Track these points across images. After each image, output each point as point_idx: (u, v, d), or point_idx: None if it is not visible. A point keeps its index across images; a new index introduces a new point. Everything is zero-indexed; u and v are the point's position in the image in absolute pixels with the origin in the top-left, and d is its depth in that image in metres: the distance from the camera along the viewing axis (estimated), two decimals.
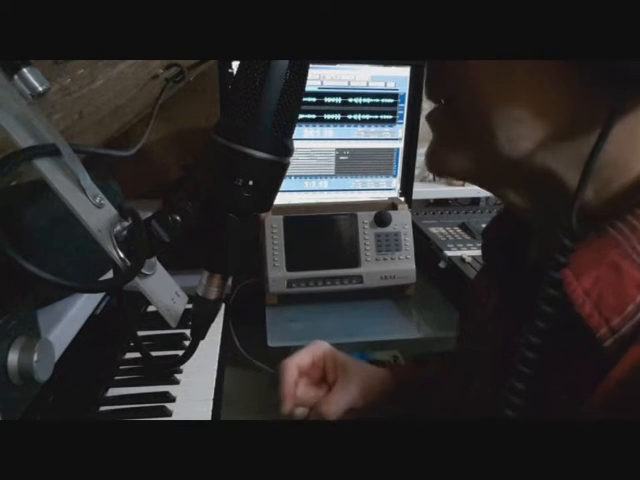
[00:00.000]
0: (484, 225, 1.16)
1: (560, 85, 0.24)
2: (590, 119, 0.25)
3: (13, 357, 0.43)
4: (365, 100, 0.97)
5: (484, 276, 0.43)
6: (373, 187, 1.04)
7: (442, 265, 0.94)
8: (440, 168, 0.33)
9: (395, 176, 1.04)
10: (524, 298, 0.29)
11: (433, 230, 1.06)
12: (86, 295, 0.68)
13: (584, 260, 0.25)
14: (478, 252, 1.00)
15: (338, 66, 0.94)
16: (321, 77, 0.94)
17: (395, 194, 1.04)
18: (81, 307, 0.67)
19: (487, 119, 0.27)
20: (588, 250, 0.25)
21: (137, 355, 0.74)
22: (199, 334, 0.37)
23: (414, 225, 0.96)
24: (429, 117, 0.32)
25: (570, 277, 0.25)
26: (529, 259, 0.36)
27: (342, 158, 1.01)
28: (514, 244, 0.38)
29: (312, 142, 0.98)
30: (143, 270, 0.36)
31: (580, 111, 0.25)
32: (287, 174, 0.33)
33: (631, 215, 0.25)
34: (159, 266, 0.39)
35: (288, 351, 1.04)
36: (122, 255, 0.34)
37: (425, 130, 1.22)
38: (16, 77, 0.30)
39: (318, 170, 1.01)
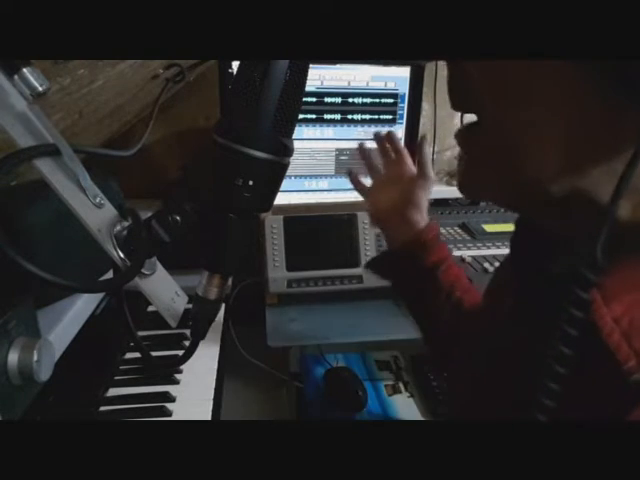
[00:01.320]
0: (484, 225, 1.16)
1: (591, 101, 0.22)
2: (624, 136, 0.23)
3: (13, 357, 0.43)
4: (365, 100, 0.97)
5: (506, 271, 0.41)
6: None
7: None
8: (470, 190, 0.31)
9: None
10: (545, 307, 0.27)
11: None
12: (86, 295, 0.68)
13: (615, 284, 0.23)
14: (478, 252, 1.00)
15: (338, 66, 0.94)
16: (321, 77, 0.94)
17: None
18: (81, 307, 0.67)
19: (514, 141, 0.25)
20: (621, 273, 0.23)
21: (137, 355, 0.74)
22: (199, 334, 0.37)
23: None
24: (458, 136, 0.30)
25: (599, 301, 0.23)
26: (554, 268, 0.35)
27: (342, 158, 1.01)
28: (541, 250, 0.36)
29: (312, 142, 0.98)
30: (143, 270, 0.36)
31: (613, 127, 0.23)
32: (287, 174, 0.33)
33: None
34: (159, 266, 0.39)
35: (288, 351, 1.05)
36: (122, 255, 0.34)
37: (425, 130, 1.22)
38: (16, 77, 0.30)
39: (318, 170, 1.01)
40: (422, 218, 0.59)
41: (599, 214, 0.23)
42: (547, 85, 0.23)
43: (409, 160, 0.63)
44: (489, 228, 1.08)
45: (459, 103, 0.29)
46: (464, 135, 0.30)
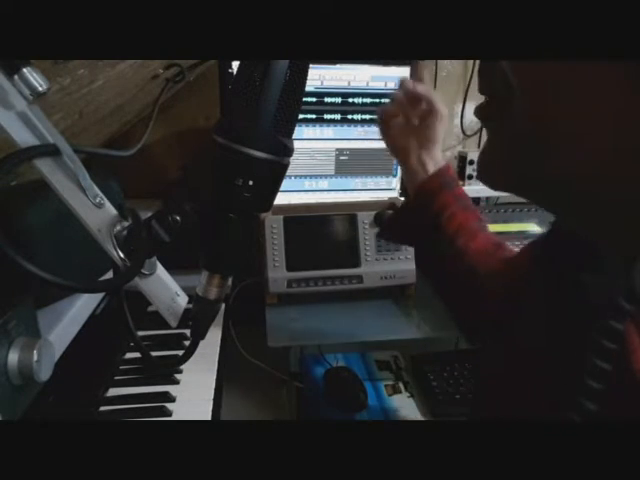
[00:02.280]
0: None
1: (627, 93, 0.20)
2: None
3: (13, 357, 0.43)
4: (365, 100, 0.97)
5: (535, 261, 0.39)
6: (373, 187, 1.04)
7: None
8: (491, 179, 0.28)
9: (395, 176, 1.04)
10: (576, 322, 0.26)
11: None
12: (86, 295, 0.68)
13: None
14: None
15: (338, 66, 0.94)
16: (321, 77, 0.94)
17: (395, 194, 1.04)
18: (81, 307, 0.67)
19: (544, 127, 0.23)
20: None
21: (137, 355, 0.74)
22: (199, 334, 0.37)
23: None
24: (478, 112, 0.28)
25: (633, 335, 0.22)
26: (589, 291, 0.32)
27: (342, 158, 1.01)
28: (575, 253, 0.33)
29: (312, 142, 0.98)
30: (143, 270, 0.36)
31: None
32: (287, 174, 0.33)
33: None
34: (159, 266, 0.39)
35: (288, 351, 1.05)
36: (122, 255, 0.34)
37: None
38: (16, 77, 0.30)
39: (318, 170, 1.01)
40: (432, 160, 0.58)
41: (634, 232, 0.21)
42: (592, 76, 0.21)
43: (429, 99, 0.60)
44: (489, 228, 1.08)
45: (490, 87, 0.27)
46: (487, 114, 0.28)
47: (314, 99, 0.95)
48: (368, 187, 1.04)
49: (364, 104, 0.97)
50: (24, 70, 0.30)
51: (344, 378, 0.95)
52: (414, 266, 0.93)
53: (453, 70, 1.19)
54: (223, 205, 0.32)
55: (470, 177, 1.20)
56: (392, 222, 0.64)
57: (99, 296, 0.76)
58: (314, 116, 0.96)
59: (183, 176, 1.14)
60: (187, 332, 0.76)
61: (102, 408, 0.63)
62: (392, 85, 0.97)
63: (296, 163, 0.98)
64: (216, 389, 0.69)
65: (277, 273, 0.89)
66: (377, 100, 0.98)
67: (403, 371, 1.01)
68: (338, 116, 0.97)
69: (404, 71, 0.96)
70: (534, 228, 1.04)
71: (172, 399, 0.65)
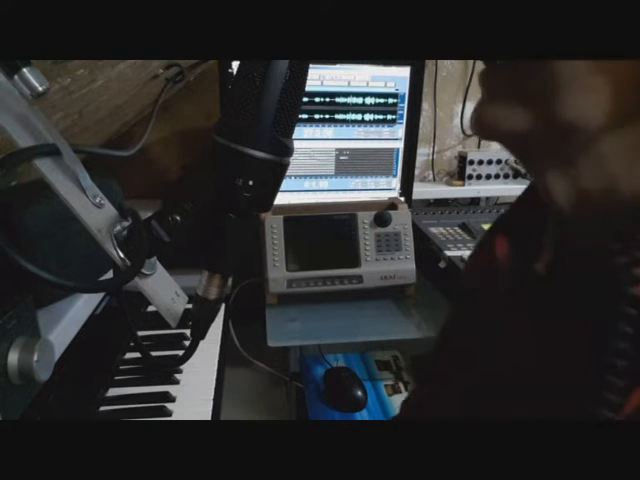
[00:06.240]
0: (484, 225, 1.16)
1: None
2: None
3: (13, 357, 0.43)
4: (365, 100, 0.97)
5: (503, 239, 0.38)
6: (373, 187, 1.04)
7: (442, 265, 0.94)
8: (489, 126, 0.27)
9: (395, 176, 1.04)
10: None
11: (433, 230, 1.06)
12: (86, 295, 0.68)
13: None
14: None
15: (338, 66, 0.94)
16: (321, 77, 0.94)
17: (395, 194, 1.04)
18: (81, 307, 0.67)
19: (557, 77, 0.23)
20: None
21: (137, 355, 0.74)
22: (199, 334, 0.37)
23: (414, 225, 0.96)
24: (482, 75, 0.28)
25: None
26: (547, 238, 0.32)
27: (342, 158, 1.01)
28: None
29: (312, 142, 0.98)
30: (143, 270, 0.36)
31: None
32: (287, 174, 0.33)
33: None
34: (159, 266, 0.39)
35: (288, 351, 1.05)
36: (122, 255, 0.34)
37: (425, 130, 1.23)
38: (16, 77, 0.30)
39: (318, 170, 1.01)
40: None
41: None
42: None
43: None
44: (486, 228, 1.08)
45: None
46: (490, 73, 0.27)
47: (314, 99, 0.95)
48: (368, 187, 1.04)
49: (364, 104, 0.97)
50: (24, 70, 0.30)
51: (344, 378, 0.96)
52: (414, 266, 0.93)
53: (453, 70, 1.19)
54: (223, 205, 0.32)
55: (470, 177, 1.20)
56: None
57: (99, 296, 0.76)
58: (314, 116, 0.96)
59: (183, 176, 1.14)
60: (187, 332, 0.76)
61: (102, 408, 0.63)
62: (392, 85, 0.97)
63: (296, 163, 0.98)
64: (216, 389, 0.69)
65: (277, 273, 0.89)
66: (377, 100, 0.98)
67: (403, 371, 1.01)
68: (338, 116, 0.97)
69: (404, 71, 0.97)
70: None
71: (172, 399, 0.65)
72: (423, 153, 1.27)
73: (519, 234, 0.36)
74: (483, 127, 0.27)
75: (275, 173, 0.32)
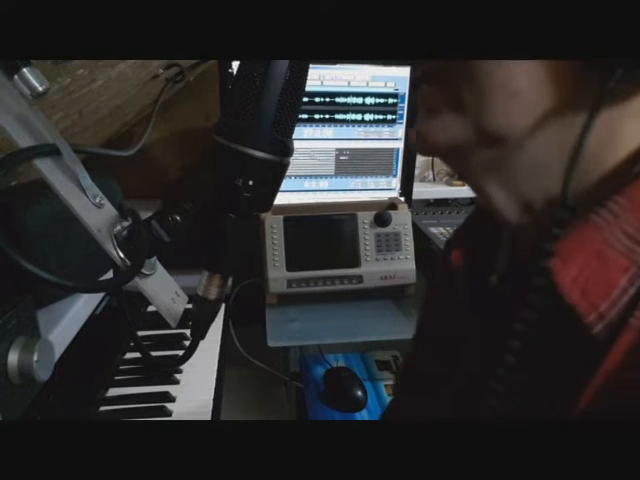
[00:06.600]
0: None
1: (555, 64, 0.24)
2: (579, 106, 0.25)
3: (13, 357, 0.43)
4: (365, 100, 0.97)
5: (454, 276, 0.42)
6: (373, 187, 1.04)
7: None
8: (428, 141, 0.29)
9: (395, 176, 1.04)
10: (500, 302, 0.29)
11: (433, 230, 1.06)
12: (86, 295, 0.68)
13: (569, 248, 0.25)
14: None
15: (338, 66, 0.94)
16: (321, 77, 0.94)
17: (395, 194, 1.04)
18: (81, 307, 0.67)
19: (483, 86, 0.26)
20: (572, 238, 0.26)
21: (137, 355, 0.74)
22: (199, 334, 0.37)
23: (414, 225, 0.96)
24: (420, 93, 0.30)
25: (558, 265, 0.25)
26: (498, 264, 0.36)
27: (342, 158, 1.01)
28: (485, 249, 0.37)
29: (312, 142, 0.98)
30: (143, 270, 0.36)
31: (570, 94, 0.25)
32: (287, 174, 0.33)
33: (612, 202, 0.25)
34: (159, 266, 0.39)
35: (288, 351, 1.05)
36: (122, 255, 0.34)
37: None
38: (16, 77, 0.30)
39: (318, 170, 1.01)
40: None
41: (551, 192, 0.25)
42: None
43: None
44: None
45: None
46: (427, 90, 0.30)
47: (314, 99, 0.95)
48: (368, 187, 1.04)
49: (364, 104, 0.97)
50: (24, 70, 0.30)
51: (344, 378, 0.96)
52: (414, 266, 0.93)
53: None
54: (223, 205, 0.32)
55: None
56: None
57: (99, 296, 0.76)
58: (314, 116, 0.96)
59: (183, 176, 1.14)
60: (187, 332, 0.76)
61: (102, 408, 0.63)
62: (392, 85, 0.97)
63: (296, 163, 0.98)
64: (216, 389, 0.69)
65: (277, 273, 0.89)
66: (377, 100, 0.98)
67: None
68: (338, 116, 0.97)
69: (404, 71, 0.97)
70: None
71: (172, 399, 0.65)
72: None
73: (472, 249, 0.38)
74: (423, 143, 0.30)
75: (275, 173, 0.32)
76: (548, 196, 0.27)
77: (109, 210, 0.35)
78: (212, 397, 0.67)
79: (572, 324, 0.25)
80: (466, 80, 0.26)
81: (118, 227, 0.34)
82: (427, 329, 0.47)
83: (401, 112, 0.99)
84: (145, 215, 0.35)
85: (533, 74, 0.25)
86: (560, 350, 0.28)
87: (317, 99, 0.95)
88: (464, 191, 1.22)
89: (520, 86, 0.25)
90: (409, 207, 0.98)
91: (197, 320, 0.37)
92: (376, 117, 0.98)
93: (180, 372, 0.71)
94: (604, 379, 0.24)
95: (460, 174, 0.33)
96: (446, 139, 0.29)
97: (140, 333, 0.77)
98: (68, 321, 0.62)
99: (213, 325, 0.37)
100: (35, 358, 0.44)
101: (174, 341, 0.77)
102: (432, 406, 0.41)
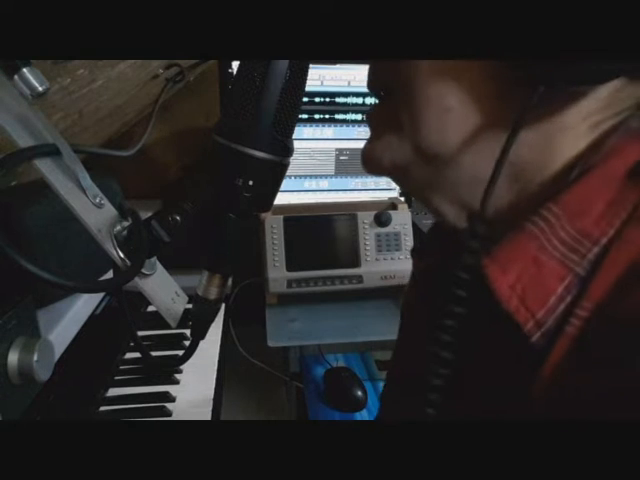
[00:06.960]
0: None
1: (487, 78, 0.25)
2: (507, 122, 0.25)
3: (13, 357, 0.43)
4: (365, 100, 0.97)
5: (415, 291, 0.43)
6: (373, 187, 1.04)
7: None
8: (373, 161, 0.31)
9: None
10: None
11: None
12: (86, 295, 0.68)
13: (506, 256, 0.26)
14: None
15: (338, 66, 0.94)
16: (321, 77, 0.94)
17: (395, 194, 1.04)
18: (81, 307, 0.67)
19: (416, 105, 0.26)
20: (509, 246, 0.26)
21: (137, 355, 0.74)
22: (199, 334, 0.37)
23: (414, 225, 0.96)
24: (367, 115, 0.31)
25: (495, 272, 0.25)
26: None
27: (342, 158, 1.01)
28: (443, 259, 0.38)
29: (312, 142, 0.98)
30: (143, 270, 0.36)
31: (500, 110, 0.25)
32: (287, 174, 0.33)
33: (546, 210, 0.25)
34: (159, 266, 0.39)
35: (288, 351, 1.05)
36: (122, 255, 0.34)
37: None
38: (16, 77, 0.30)
39: (318, 170, 1.01)
40: None
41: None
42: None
43: None
44: None
45: (375, 80, 0.31)
46: (373, 112, 0.31)
47: (315, 99, 0.95)
48: (368, 187, 1.04)
49: (364, 104, 0.97)
50: (24, 70, 0.30)
51: (344, 378, 0.96)
52: None
53: None
54: (223, 205, 0.32)
55: None
56: None
57: (99, 296, 0.76)
58: (314, 116, 0.96)
59: (183, 176, 1.14)
60: (187, 332, 0.76)
61: (102, 408, 0.63)
62: None
63: (296, 163, 0.98)
64: (216, 389, 0.69)
65: (277, 273, 0.89)
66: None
67: None
68: (338, 116, 0.97)
69: None
70: None
71: (172, 399, 0.65)
72: None
73: (430, 259, 0.39)
74: (369, 162, 0.31)
75: (275, 173, 0.32)
76: (496, 205, 0.28)
77: (109, 210, 0.35)
78: (212, 397, 0.67)
79: (512, 332, 0.25)
80: (402, 99, 0.27)
81: (118, 227, 0.34)
82: (401, 331, 0.48)
83: None
84: (145, 215, 0.35)
85: (461, 92, 0.25)
86: (501, 357, 0.28)
87: (317, 99, 0.95)
88: None
89: (450, 103, 0.26)
90: (409, 207, 0.98)
91: (197, 320, 0.37)
92: None
93: (180, 372, 0.71)
94: (542, 385, 0.24)
95: (407, 191, 0.34)
96: (387, 159, 0.30)
97: (140, 333, 0.77)
98: (68, 321, 0.62)
99: (213, 325, 0.37)
100: (35, 358, 0.44)
101: (174, 341, 0.77)
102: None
